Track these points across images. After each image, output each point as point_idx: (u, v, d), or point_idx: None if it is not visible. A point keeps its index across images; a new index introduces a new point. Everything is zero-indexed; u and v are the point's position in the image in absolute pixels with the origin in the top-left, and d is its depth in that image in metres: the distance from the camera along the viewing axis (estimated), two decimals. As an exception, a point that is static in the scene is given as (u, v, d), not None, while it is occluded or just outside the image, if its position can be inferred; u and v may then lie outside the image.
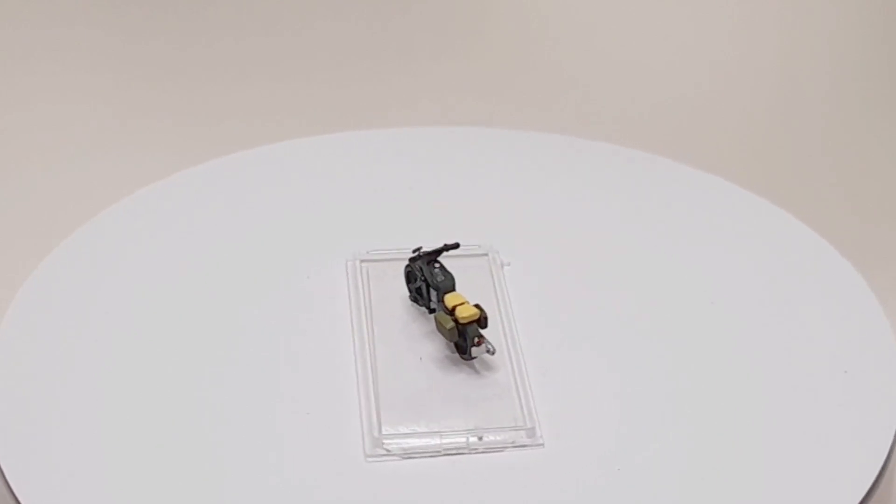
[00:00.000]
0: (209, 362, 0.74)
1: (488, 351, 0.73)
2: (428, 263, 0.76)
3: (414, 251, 0.77)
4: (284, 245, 0.83)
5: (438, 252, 0.77)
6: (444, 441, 0.68)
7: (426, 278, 0.76)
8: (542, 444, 0.68)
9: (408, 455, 0.68)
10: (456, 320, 0.73)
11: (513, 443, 0.68)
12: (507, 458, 0.68)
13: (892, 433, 0.69)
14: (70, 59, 1.38)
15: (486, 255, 0.81)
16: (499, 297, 0.78)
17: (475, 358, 0.73)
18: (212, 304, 0.78)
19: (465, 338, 0.73)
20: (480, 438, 0.68)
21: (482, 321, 0.73)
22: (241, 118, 1.32)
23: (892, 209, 1.24)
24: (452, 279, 0.75)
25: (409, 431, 0.69)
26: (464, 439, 0.68)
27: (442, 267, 0.76)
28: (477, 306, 0.73)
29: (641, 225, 0.86)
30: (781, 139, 1.32)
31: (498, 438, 0.68)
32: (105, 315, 0.77)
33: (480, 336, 0.73)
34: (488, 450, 0.68)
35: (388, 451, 0.68)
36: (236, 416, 0.70)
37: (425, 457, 0.68)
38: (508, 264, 0.80)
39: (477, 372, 0.73)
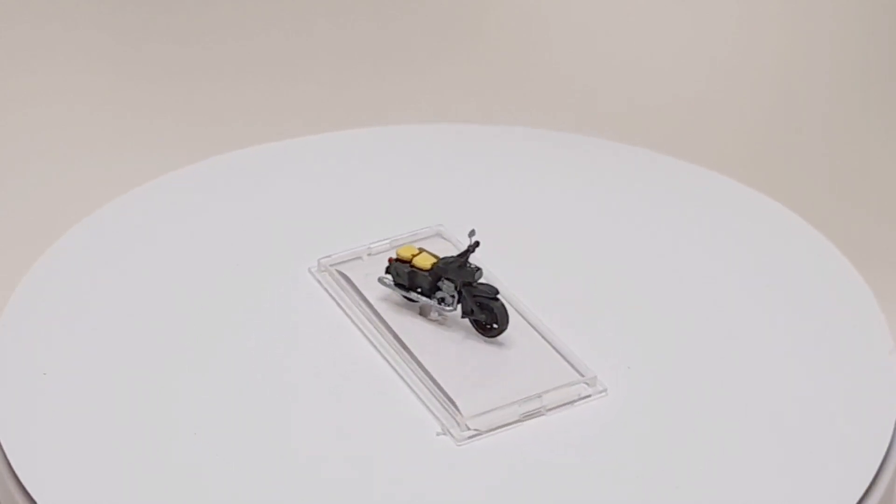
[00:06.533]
0: (213, 362, 0.74)
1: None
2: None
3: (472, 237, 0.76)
4: (285, 244, 0.83)
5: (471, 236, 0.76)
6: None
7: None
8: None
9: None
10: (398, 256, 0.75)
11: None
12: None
13: (889, 436, 0.69)
14: (70, 59, 1.38)
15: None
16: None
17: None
18: (215, 303, 0.78)
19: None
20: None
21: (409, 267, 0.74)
22: (241, 118, 1.32)
23: (892, 207, 1.24)
24: (441, 262, 0.74)
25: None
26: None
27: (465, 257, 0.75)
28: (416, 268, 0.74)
29: (637, 220, 0.86)
30: (781, 139, 1.32)
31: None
32: (102, 312, 0.77)
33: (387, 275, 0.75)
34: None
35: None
36: (249, 417, 0.70)
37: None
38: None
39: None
